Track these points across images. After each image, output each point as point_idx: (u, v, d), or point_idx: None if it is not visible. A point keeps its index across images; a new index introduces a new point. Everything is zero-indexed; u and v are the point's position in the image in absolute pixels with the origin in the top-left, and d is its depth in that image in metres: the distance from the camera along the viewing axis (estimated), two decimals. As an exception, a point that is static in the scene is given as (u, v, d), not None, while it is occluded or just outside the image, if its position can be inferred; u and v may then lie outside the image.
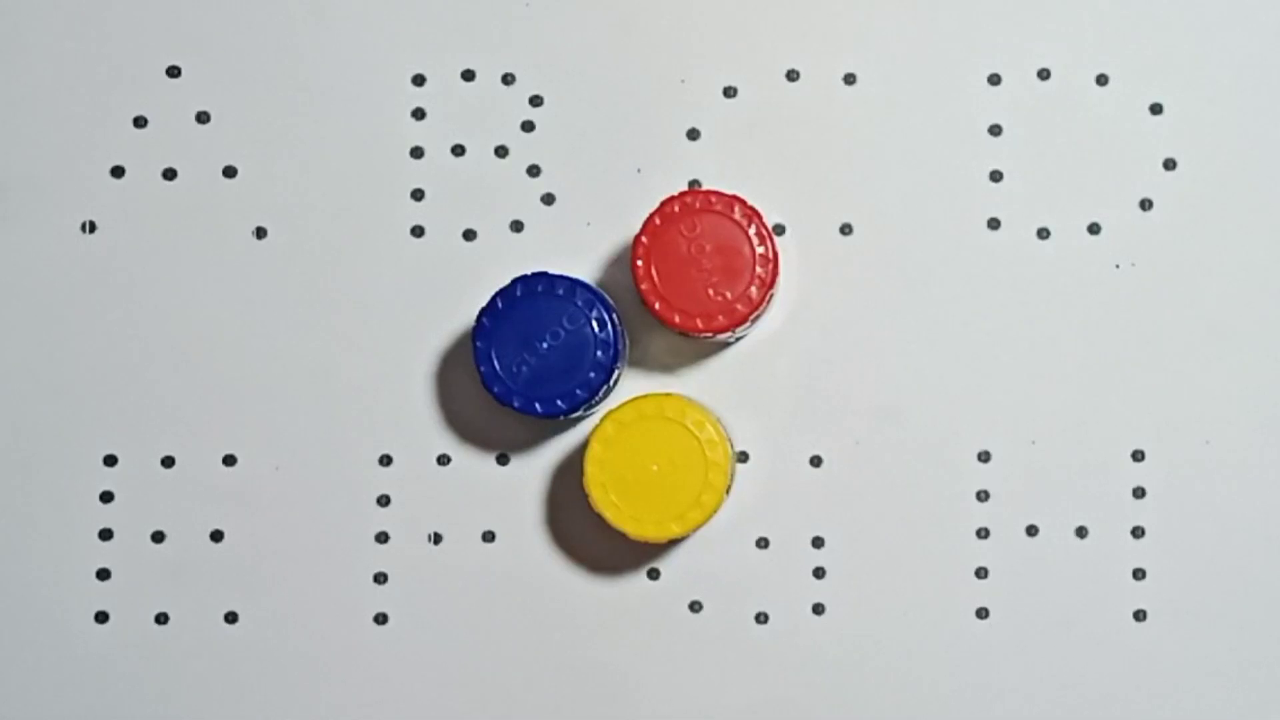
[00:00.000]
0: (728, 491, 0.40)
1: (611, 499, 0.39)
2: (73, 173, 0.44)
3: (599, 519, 0.41)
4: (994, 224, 0.43)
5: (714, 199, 0.40)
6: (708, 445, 0.39)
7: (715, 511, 0.40)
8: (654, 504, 0.39)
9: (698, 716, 0.43)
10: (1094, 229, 0.43)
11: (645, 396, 0.40)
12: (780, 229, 0.43)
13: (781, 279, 0.42)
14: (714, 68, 0.44)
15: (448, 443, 0.43)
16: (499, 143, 0.44)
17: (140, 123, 0.44)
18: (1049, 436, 0.43)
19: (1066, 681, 0.43)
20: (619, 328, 0.40)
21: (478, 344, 0.40)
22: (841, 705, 0.43)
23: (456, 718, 0.43)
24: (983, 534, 0.43)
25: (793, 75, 0.44)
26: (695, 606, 0.43)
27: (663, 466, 0.39)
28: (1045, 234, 0.43)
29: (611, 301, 0.41)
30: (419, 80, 0.44)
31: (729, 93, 0.44)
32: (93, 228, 0.44)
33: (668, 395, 0.40)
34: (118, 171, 0.44)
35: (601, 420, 0.40)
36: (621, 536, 0.41)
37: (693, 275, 0.40)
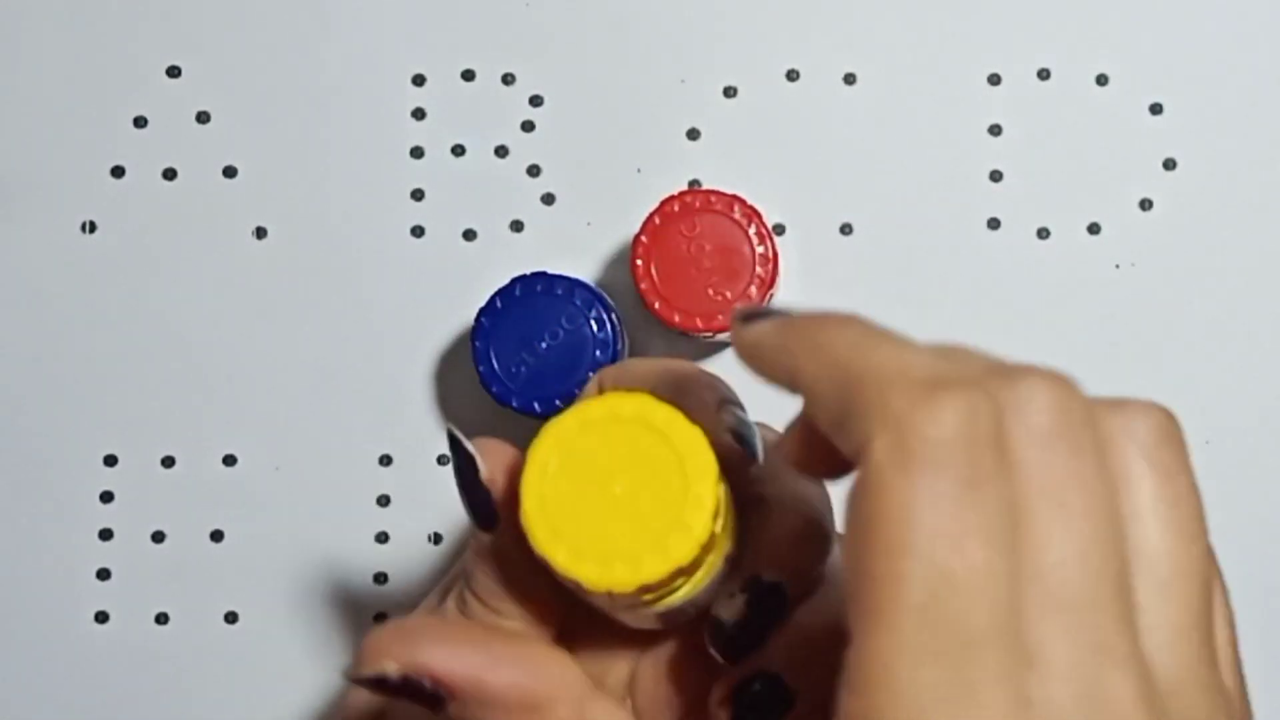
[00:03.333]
0: (717, 515, 0.27)
1: (561, 541, 0.27)
2: (73, 173, 0.44)
3: None
4: (994, 224, 0.43)
5: (714, 199, 0.40)
6: (686, 447, 0.27)
7: (708, 532, 0.27)
8: (622, 536, 0.27)
9: (697, 717, 0.43)
10: (1094, 229, 0.43)
11: (598, 399, 0.28)
12: (780, 229, 0.43)
13: (781, 279, 0.42)
14: (714, 68, 0.44)
15: (447, 443, 0.43)
16: (499, 143, 0.44)
17: (140, 123, 0.44)
18: (1049, 436, 0.43)
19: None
20: (618, 327, 0.40)
21: (476, 344, 0.40)
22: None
23: (456, 718, 0.43)
24: (983, 534, 0.43)
25: (793, 75, 0.44)
26: (695, 606, 0.43)
27: (627, 486, 0.27)
28: (1045, 234, 0.43)
29: (611, 301, 0.41)
30: (419, 80, 0.44)
31: (729, 93, 0.44)
32: (93, 228, 0.44)
33: (629, 393, 0.28)
34: (118, 171, 0.44)
35: (539, 437, 0.28)
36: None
37: (692, 275, 0.40)
